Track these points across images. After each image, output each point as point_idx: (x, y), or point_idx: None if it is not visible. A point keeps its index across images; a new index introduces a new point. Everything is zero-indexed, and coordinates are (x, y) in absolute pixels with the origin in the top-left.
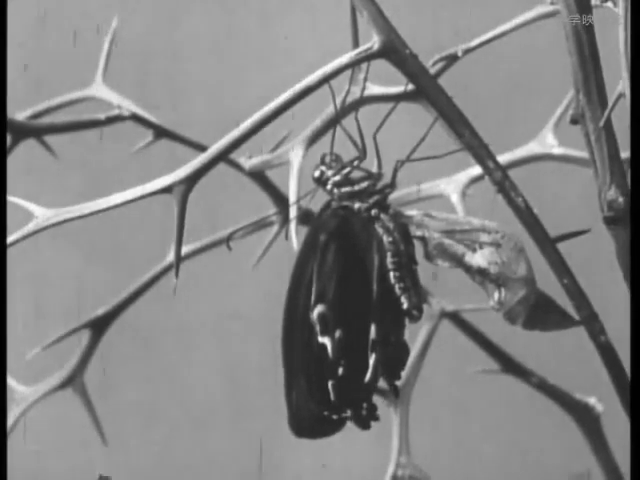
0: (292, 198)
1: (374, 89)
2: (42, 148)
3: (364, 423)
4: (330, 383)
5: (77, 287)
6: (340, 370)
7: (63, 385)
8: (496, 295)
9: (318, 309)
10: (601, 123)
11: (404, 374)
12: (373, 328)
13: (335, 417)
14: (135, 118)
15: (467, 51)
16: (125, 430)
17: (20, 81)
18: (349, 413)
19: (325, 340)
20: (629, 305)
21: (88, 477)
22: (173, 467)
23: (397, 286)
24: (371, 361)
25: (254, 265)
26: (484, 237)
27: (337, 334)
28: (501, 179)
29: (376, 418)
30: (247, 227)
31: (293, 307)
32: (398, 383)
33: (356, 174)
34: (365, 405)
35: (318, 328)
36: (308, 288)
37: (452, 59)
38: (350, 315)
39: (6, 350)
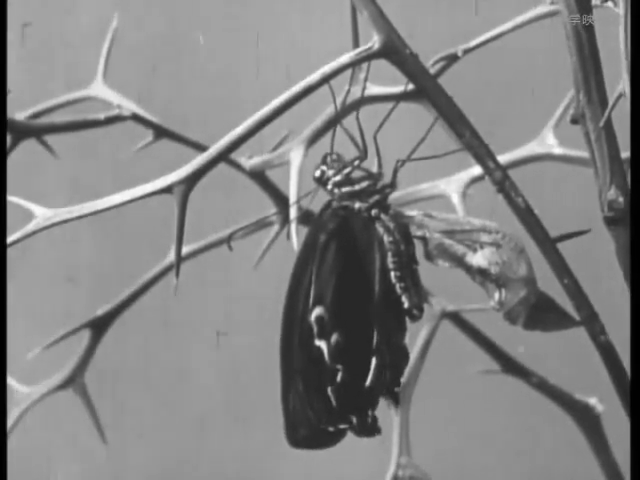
0: (292, 198)
1: (374, 89)
2: (42, 148)
3: (370, 431)
4: (329, 389)
5: (77, 287)
6: (339, 376)
7: (63, 385)
8: (496, 295)
9: (316, 311)
10: (601, 123)
11: (404, 374)
12: (374, 330)
13: (332, 429)
14: (135, 118)
15: (467, 51)
16: (125, 430)
17: (20, 81)
18: (354, 420)
19: (321, 344)
20: (629, 305)
21: (88, 477)
22: (173, 467)
23: (398, 285)
24: (372, 365)
25: (254, 265)
26: (484, 237)
27: (334, 338)
28: (501, 179)
29: (378, 430)
30: (247, 227)
31: (292, 309)
32: (397, 389)
33: (356, 174)
34: (370, 412)
35: (315, 331)
36: (307, 289)
37: (452, 59)
38: (349, 318)
39: (6, 350)
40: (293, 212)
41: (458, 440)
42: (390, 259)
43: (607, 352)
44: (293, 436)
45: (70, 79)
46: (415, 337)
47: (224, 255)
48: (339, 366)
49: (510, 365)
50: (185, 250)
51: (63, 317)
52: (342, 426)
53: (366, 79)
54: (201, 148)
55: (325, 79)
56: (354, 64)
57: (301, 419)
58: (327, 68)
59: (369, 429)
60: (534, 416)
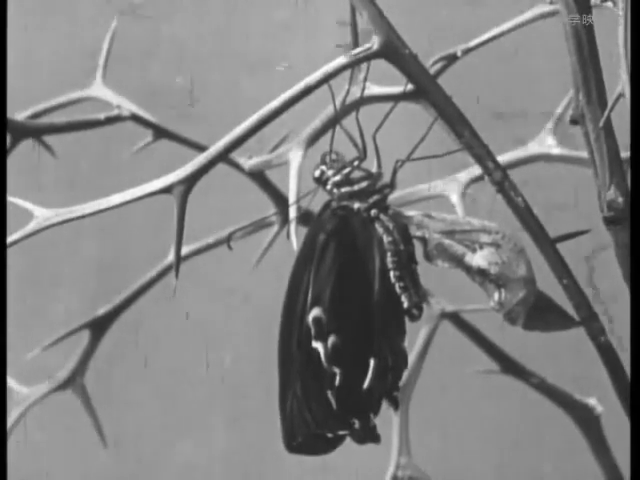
0: (292, 198)
1: (374, 89)
2: (42, 148)
3: (369, 437)
4: (329, 392)
5: (77, 287)
6: (337, 379)
7: (63, 386)
8: (496, 295)
9: (314, 312)
10: (601, 123)
11: (404, 374)
12: (373, 331)
13: (331, 435)
14: (135, 118)
15: (467, 51)
16: (125, 431)
17: (20, 81)
18: (356, 424)
19: (318, 345)
20: (629, 305)
21: (87, 477)
22: (172, 468)
23: (397, 285)
24: (371, 367)
25: (254, 266)
26: (484, 237)
27: (331, 340)
28: (501, 179)
29: (377, 438)
30: (247, 227)
31: (291, 310)
32: (396, 393)
33: (356, 174)
34: (372, 416)
35: (313, 332)
36: (306, 290)
37: (452, 59)
38: (347, 319)
39: (6, 350)
40: (293, 212)
41: (458, 440)
42: (389, 259)
43: (607, 352)
44: (290, 441)
45: (70, 79)
46: (414, 337)
47: (224, 255)
48: (336, 369)
49: (510, 365)
50: (185, 250)
51: (64, 317)
52: (342, 432)
53: (366, 79)
54: (201, 148)
55: (325, 79)
56: (354, 64)
57: (299, 423)
58: (327, 68)
59: (369, 435)
60: (534, 416)
